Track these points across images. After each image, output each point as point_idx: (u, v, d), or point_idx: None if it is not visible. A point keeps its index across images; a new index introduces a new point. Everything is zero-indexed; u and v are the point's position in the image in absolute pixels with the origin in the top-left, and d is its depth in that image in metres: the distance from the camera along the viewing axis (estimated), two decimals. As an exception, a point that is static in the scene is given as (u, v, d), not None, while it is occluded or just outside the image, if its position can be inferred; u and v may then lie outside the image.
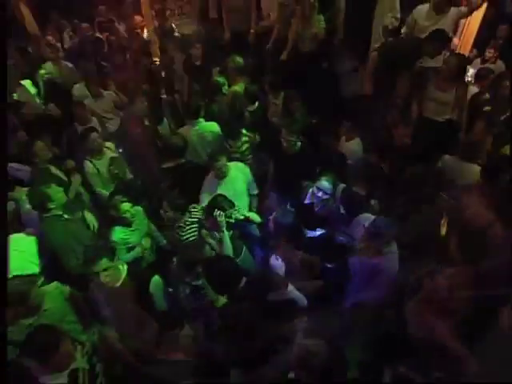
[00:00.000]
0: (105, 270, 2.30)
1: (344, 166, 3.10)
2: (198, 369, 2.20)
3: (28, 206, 3.10)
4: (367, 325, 2.82)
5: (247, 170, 3.27)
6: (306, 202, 2.97)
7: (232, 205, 2.79)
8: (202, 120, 3.57)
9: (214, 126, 3.58)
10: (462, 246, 2.15)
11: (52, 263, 2.94)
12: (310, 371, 1.87)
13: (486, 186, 2.16)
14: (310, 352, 1.84)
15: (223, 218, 2.65)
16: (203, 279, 2.29)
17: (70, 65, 5.28)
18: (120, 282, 2.42)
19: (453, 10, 3.67)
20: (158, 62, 5.51)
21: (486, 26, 5.15)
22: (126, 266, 2.51)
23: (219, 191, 2.92)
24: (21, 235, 2.84)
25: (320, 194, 2.85)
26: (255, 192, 3.32)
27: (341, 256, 2.46)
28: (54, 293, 2.35)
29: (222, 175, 3.07)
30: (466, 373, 1.92)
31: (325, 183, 2.84)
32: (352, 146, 3.46)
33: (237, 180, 3.15)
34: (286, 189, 3.27)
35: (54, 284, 2.40)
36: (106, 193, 3.41)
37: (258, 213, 3.21)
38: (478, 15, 5.09)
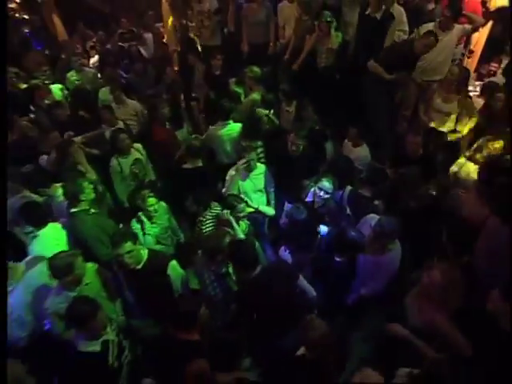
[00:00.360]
0: (128, 252, 2.54)
1: (351, 170, 3.31)
2: (210, 350, 2.35)
3: (61, 199, 3.40)
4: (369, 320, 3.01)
5: (265, 168, 3.56)
6: (308, 199, 3.20)
7: (241, 200, 3.10)
8: (231, 121, 3.88)
9: (239, 127, 3.91)
10: (454, 240, 2.35)
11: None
12: (311, 346, 2.09)
13: (482, 185, 2.36)
14: (311, 326, 2.05)
15: (228, 215, 2.98)
16: (226, 267, 2.53)
17: (93, 71, 5.68)
18: (141, 264, 2.66)
19: (457, 28, 3.92)
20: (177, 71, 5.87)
21: (493, 41, 5.37)
22: (147, 251, 2.75)
23: (245, 182, 3.34)
24: (55, 224, 3.13)
25: (322, 193, 3.07)
26: (273, 189, 3.59)
27: (351, 251, 2.62)
28: (91, 269, 2.65)
29: (249, 168, 3.41)
30: (464, 357, 2.08)
31: (326, 183, 3.06)
32: (360, 153, 3.69)
33: (258, 177, 3.48)
34: (288, 187, 3.53)
35: (90, 263, 2.69)
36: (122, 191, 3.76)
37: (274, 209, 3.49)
38: (485, 31, 5.33)
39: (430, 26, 4.04)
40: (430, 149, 3.47)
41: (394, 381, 2.04)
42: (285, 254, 2.80)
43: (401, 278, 2.78)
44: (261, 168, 3.55)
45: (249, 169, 3.45)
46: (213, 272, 2.59)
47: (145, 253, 2.72)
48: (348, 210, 3.14)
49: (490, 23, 5.21)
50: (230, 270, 2.56)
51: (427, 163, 3.23)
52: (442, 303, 2.28)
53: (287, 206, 3.39)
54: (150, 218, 3.19)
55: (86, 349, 2.13)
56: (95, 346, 2.16)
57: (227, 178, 3.58)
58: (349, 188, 3.19)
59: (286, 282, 2.46)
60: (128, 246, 2.53)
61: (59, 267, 2.41)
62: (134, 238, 2.65)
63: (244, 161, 3.42)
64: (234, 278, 2.61)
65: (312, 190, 3.21)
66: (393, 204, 3.01)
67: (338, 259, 2.64)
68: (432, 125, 4.11)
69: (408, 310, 2.47)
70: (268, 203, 3.57)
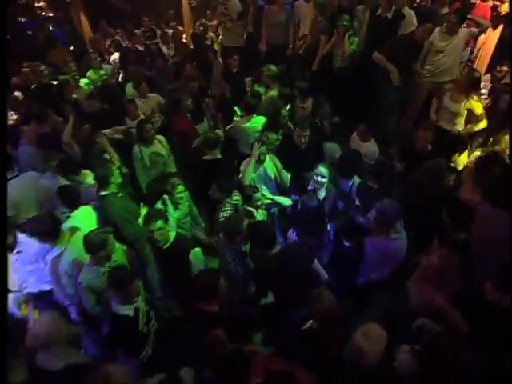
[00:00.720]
0: (159, 229, 2.83)
1: (359, 160, 3.51)
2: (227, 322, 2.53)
3: (89, 185, 3.68)
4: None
5: (276, 160, 3.80)
6: (309, 187, 3.44)
7: (257, 190, 3.33)
8: (255, 115, 4.16)
9: (263, 120, 4.19)
10: (453, 216, 2.57)
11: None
12: (318, 316, 2.30)
13: (478, 175, 2.58)
14: (320, 297, 2.29)
15: (248, 207, 3.20)
16: (245, 246, 2.77)
17: (111, 67, 6.00)
18: (168, 243, 2.94)
19: (463, 31, 4.11)
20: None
21: (504, 45, 5.50)
22: (174, 233, 3.02)
23: (256, 174, 3.59)
24: (87, 207, 3.40)
25: (319, 178, 3.31)
26: (287, 185, 3.82)
27: (359, 236, 2.83)
28: (119, 248, 2.94)
29: (260, 161, 3.65)
30: (460, 333, 2.28)
31: (321, 169, 3.31)
32: (368, 148, 3.88)
33: (268, 168, 3.73)
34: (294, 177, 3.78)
35: (118, 243, 2.97)
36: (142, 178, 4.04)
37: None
38: (495, 34, 5.46)
39: (437, 30, 4.24)
40: (436, 144, 3.66)
41: (396, 356, 2.25)
42: (292, 236, 3.03)
43: (406, 264, 2.98)
44: (270, 159, 3.76)
45: (260, 161, 3.67)
46: (234, 251, 2.84)
47: (172, 235, 2.99)
48: (357, 202, 3.36)
49: (500, 27, 5.36)
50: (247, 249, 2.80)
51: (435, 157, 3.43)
52: (441, 285, 2.49)
53: (293, 197, 3.63)
54: (174, 204, 3.44)
55: (120, 312, 2.41)
56: (129, 311, 2.43)
57: (241, 168, 3.79)
58: (358, 180, 3.40)
59: (301, 263, 2.67)
60: (159, 223, 2.82)
61: (94, 242, 2.67)
62: (165, 218, 2.93)
63: (254, 151, 3.63)
64: (249, 257, 2.85)
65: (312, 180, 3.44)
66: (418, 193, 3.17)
67: (346, 244, 2.87)
68: (440, 123, 4.30)
69: (410, 293, 2.68)
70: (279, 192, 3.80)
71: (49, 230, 2.89)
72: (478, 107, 4.16)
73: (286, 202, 3.52)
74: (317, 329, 2.38)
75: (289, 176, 3.74)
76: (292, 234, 3.08)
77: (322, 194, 3.33)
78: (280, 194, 3.84)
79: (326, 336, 2.36)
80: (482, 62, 5.58)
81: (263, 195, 3.47)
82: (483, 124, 4.00)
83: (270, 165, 3.77)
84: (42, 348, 2.12)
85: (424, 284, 2.54)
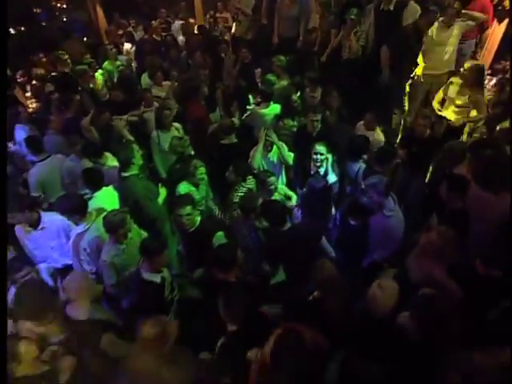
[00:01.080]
0: (187, 214, 2.97)
1: (367, 147, 3.68)
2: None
3: (110, 166, 3.89)
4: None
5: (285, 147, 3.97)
6: (312, 172, 3.59)
7: (271, 174, 3.49)
8: (272, 103, 4.36)
9: (279, 108, 4.39)
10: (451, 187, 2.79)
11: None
12: (320, 285, 2.48)
13: (471, 159, 2.79)
14: (322, 267, 2.48)
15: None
16: (259, 222, 2.97)
17: (125, 58, 6.23)
18: (194, 227, 3.12)
19: (460, 23, 4.31)
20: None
21: (507, 39, 5.61)
22: (199, 218, 3.19)
23: (265, 159, 3.80)
24: (109, 188, 3.60)
25: (318, 156, 3.47)
26: (291, 163, 3.98)
27: (364, 214, 2.99)
28: (134, 227, 3.09)
29: (268, 148, 3.84)
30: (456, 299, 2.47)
31: (318, 147, 3.47)
32: (373, 137, 4.03)
33: (275, 154, 3.91)
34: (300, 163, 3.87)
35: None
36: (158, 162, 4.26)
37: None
38: (501, 28, 5.58)
39: (436, 24, 4.40)
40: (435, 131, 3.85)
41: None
42: (297, 214, 3.23)
43: (406, 243, 3.16)
44: (276, 148, 3.88)
45: (267, 149, 3.83)
46: (249, 226, 3.07)
47: (198, 219, 3.15)
48: (363, 185, 3.57)
49: (506, 21, 5.48)
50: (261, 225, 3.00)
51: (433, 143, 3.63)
52: (439, 260, 2.69)
53: (298, 192, 3.78)
54: (196, 186, 3.60)
55: (149, 278, 2.64)
56: (156, 278, 2.66)
57: (251, 154, 3.94)
58: (363, 166, 3.59)
59: (310, 239, 2.88)
60: (188, 209, 2.98)
61: (113, 222, 2.81)
62: (193, 204, 3.07)
63: (262, 136, 3.77)
64: (262, 233, 3.05)
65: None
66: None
67: (352, 223, 3.09)
68: (443, 114, 4.46)
69: (409, 268, 2.88)
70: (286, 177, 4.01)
71: (77, 207, 3.11)
72: (482, 99, 4.32)
73: (293, 198, 3.62)
74: (320, 298, 2.54)
75: (292, 154, 3.87)
76: (297, 213, 3.26)
77: (329, 175, 3.52)
78: (287, 183, 4.02)
79: (329, 304, 2.48)
80: (488, 56, 5.72)
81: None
82: (484, 115, 4.17)
83: (276, 151, 3.88)
84: (71, 299, 2.42)
85: (423, 259, 2.74)
